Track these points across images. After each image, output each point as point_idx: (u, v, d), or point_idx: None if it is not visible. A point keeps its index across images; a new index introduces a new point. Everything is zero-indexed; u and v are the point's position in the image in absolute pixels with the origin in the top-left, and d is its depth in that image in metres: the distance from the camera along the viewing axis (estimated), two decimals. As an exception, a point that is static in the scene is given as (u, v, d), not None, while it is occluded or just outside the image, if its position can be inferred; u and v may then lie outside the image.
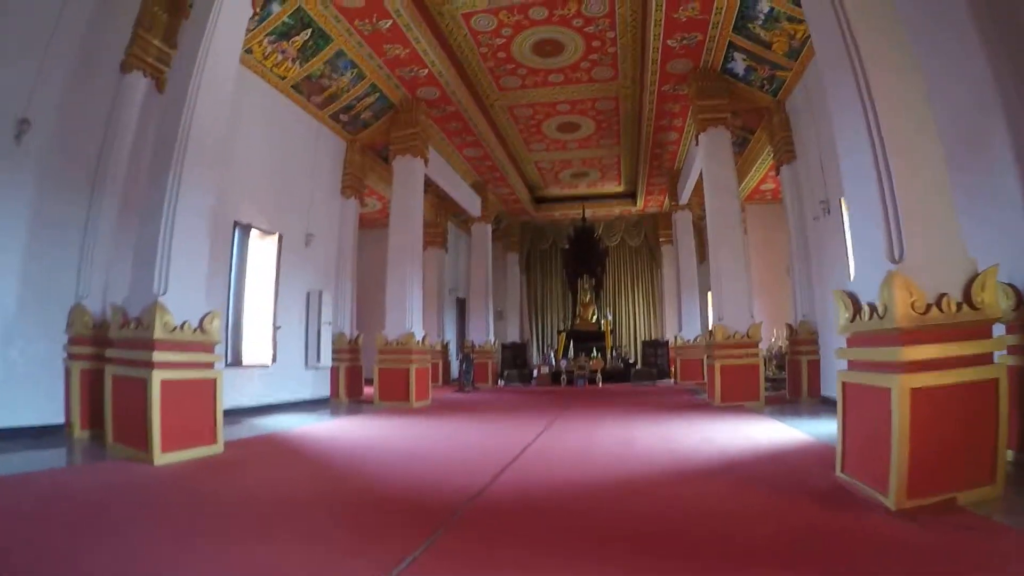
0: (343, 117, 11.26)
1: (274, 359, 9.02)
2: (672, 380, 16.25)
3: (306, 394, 10.11)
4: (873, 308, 3.77)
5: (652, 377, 15.73)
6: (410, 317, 10.28)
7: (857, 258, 4.21)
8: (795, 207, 10.22)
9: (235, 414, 8.08)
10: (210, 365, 5.50)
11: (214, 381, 5.47)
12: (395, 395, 10.00)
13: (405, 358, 10.06)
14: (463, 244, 19.53)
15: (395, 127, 11.34)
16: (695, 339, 15.16)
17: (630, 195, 19.42)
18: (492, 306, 17.04)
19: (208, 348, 5.48)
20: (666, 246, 20.23)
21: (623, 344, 19.98)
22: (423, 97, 11.29)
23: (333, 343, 10.88)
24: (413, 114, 11.20)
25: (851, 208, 4.30)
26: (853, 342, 4.11)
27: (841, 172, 4.41)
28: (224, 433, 6.51)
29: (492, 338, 16.49)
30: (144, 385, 5.01)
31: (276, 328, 9.09)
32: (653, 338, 19.50)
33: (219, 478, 4.49)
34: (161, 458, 4.94)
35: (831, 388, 9.14)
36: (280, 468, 4.92)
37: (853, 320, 4.01)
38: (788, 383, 10.14)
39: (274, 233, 9.29)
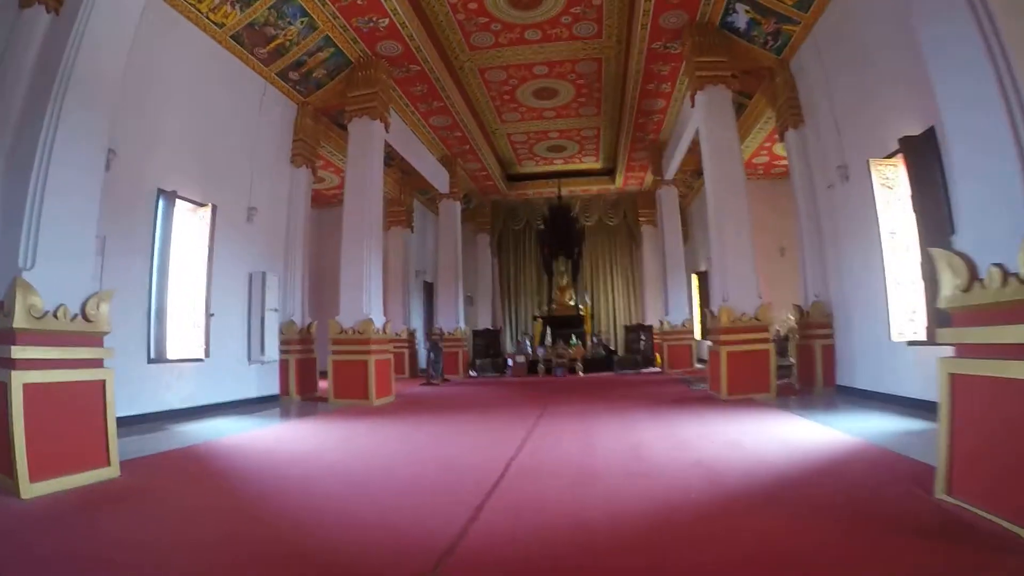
0: (293, 75, 9.88)
1: (207, 352, 7.68)
2: (658, 368, 15.25)
3: (250, 392, 8.79)
4: (1005, 272, 2.71)
5: (636, 365, 14.68)
6: (368, 301, 9.03)
7: (968, 209, 3.13)
8: (803, 176, 9.22)
9: (159, 419, 6.81)
10: (97, 363, 4.22)
11: (103, 384, 4.20)
12: (352, 392, 8.74)
13: (363, 348, 8.79)
14: (430, 224, 18.22)
15: (352, 87, 9.98)
16: (683, 323, 14.16)
17: (608, 172, 18.32)
18: (462, 290, 15.79)
19: (93, 340, 4.20)
20: (646, 226, 19.30)
21: (603, 330, 18.92)
22: (384, 54, 9.95)
23: (281, 333, 9.56)
24: (372, 72, 9.86)
25: (958, 146, 3.21)
26: (965, 320, 3.04)
27: (938, 100, 3.32)
28: (139, 444, 5.38)
29: (463, 325, 15.25)
30: (3, 391, 3.74)
31: (209, 316, 7.73)
32: (635, 323, 18.47)
33: (97, 521, 3.26)
34: (31, 489, 3.70)
35: (848, 376, 8.28)
36: (186, 501, 3.67)
37: (968, 289, 2.95)
38: (798, 371, 9.15)
39: (206, 204, 7.92)
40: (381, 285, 9.52)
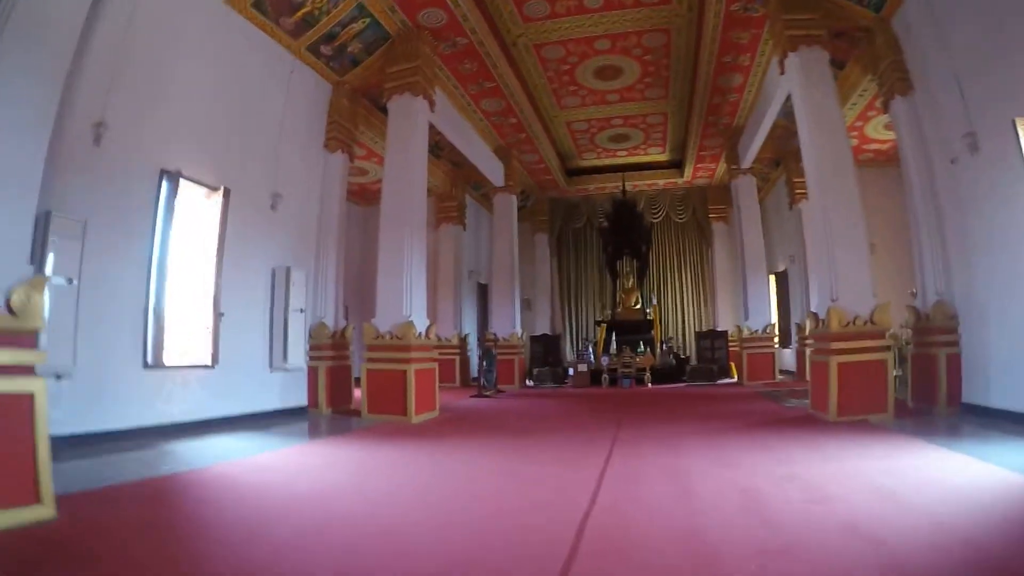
0: (325, 50, 8.94)
1: (215, 358, 6.75)
2: (734, 379, 13.77)
3: (271, 404, 7.80)
4: None
5: (712, 376, 13.21)
6: (408, 301, 7.95)
7: None
8: (916, 151, 7.76)
9: (156, 435, 5.87)
10: (23, 370, 3.23)
11: (30, 398, 3.22)
12: (389, 406, 7.65)
13: (401, 356, 7.71)
14: (484, 222, 17.16)
15: (391, 62, 9.00)
16: (764, 329, 12.65)
17: (676, 164, 16.93)
18: (519, 293, 14.65)
19: (19, 340, 3.22)
20: (718, 223, 17.86)
21: (672, 336, 17.47)
22: (426, 24, 8.91)
23: (311, 337, 8.61)
24: (414, 45, 8.82)
25: None
26: None
27: None
28: (113, 469, 4.47)
29: (519, 330, 14.10)
30: None
31: (218, 316, 6.80)
32: (707, 329, 16.98)
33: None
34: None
35: (980, 392, 6.77)
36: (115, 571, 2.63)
37: None
38: (912, 385, 7.67)
39: (218, 188, 7.02)
40: (424, 284, 8.42)
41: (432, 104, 9.07)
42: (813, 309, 7.36)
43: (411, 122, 8.58)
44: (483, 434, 6.71)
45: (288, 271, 7.95)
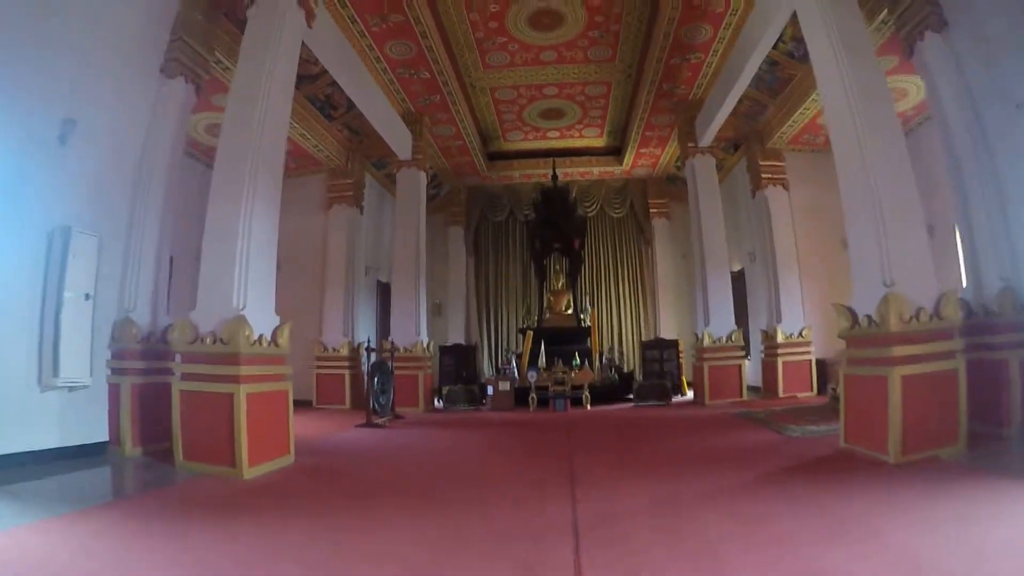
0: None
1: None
2: (689, 397, 11.97)
3: (44, 441, 5.14)
4: None
5: (666, 394, 11.24)
6: (241, 287, 5.39)
7: None
8: (958, 98, 6.21)
9: None
10: None
11: None
12: (210, 450, 5.07)
13: (227, 371, 5.14)
14: (388, 208, 14.69)
15: (259, -40, 6.65)
16: (729, 337, 10.86)
17: (614, 151, 15.27)
18: (425, 293, 12.25)
19: None
20: (659, 219, 16.37)
21: (608, 347, 15.52)
22: (306, -90, 6.65)
23: (113, 339, 6.00)
24: (289, -66, 6.53)
25: None
26: None
27: None
28: None
29: (425, 339, 11.67)
30: None
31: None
32: (653, 338, 15.11)
33: None
34: None
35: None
36: None
37: None
38: (969, 401, 5.91)
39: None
40: (272, 263, 5.89)
41: (310, 16, 6.73)
42: (850, 304, 5.41)
43: (274, 31, 6.12)
44: (353, 509, 4.06)
45: (68, 233, 5.35)
